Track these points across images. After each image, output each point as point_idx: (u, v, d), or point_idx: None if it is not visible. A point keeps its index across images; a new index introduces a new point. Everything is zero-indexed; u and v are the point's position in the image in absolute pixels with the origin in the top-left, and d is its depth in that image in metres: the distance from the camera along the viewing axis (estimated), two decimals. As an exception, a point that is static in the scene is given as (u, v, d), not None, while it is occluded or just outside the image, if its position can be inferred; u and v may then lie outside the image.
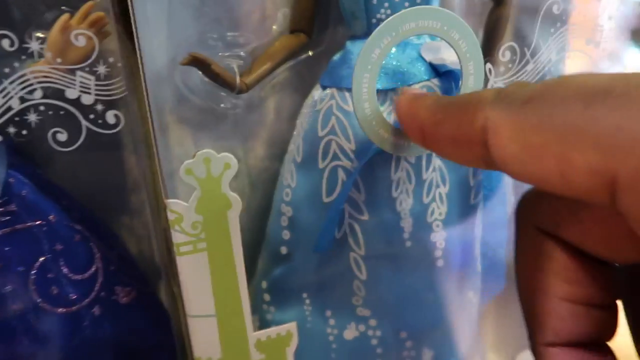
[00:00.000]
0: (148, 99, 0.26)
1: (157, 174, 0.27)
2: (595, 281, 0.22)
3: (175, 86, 0.35)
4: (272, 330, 0.32)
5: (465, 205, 0.35)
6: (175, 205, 0.27)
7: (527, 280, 0.24)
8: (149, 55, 0.33)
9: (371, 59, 0.29)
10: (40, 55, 0.25)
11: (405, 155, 0.32)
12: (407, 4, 0.32)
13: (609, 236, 0.21)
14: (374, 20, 0.32)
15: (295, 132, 0.36)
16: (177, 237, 0.28)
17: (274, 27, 0.36)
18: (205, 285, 0.29)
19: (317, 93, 0.35)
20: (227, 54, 0.33)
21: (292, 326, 0.32)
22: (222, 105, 0.36)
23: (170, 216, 0.27)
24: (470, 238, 0.36)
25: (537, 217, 0.23)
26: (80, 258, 0.30)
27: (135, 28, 0.27)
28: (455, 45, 0.30)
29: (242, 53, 0.34)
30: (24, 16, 0.25)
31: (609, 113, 0.16)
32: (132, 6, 0.26)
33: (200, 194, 0.27)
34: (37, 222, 0.28)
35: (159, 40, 0.34)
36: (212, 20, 0.35)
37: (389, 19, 0.28)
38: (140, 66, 0.26)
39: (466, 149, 0.21)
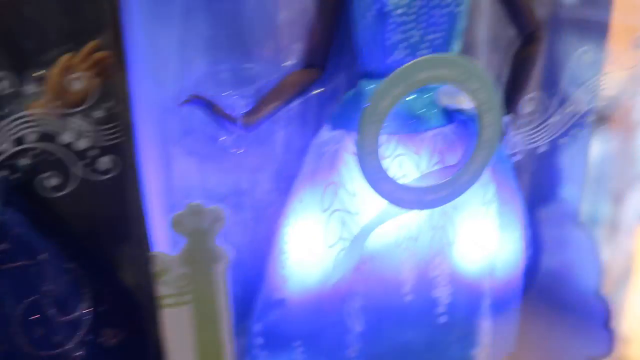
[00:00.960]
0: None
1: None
2: None
3: (182, 118, 0.34)
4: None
5: (472, 261, 0.33)
6: (162, 257, 0.26)
7: None
8: (156, 86, 0.32)
9: (378, 109, 0.26)
10: (38, 96, 0.24)
11: (408, 209, 0.29)
12: (425, 44, 0.29)
13: None
14: (389, 60, 0.30)
15: (301, 171, 0.34)
16: (161, 290, 0.26)
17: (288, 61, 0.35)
18: (188, 339, 0.27)
19: (326, 133, 0.33)
20: (232, 92, 0.31)
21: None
22: (226, 138, 0.35)
23: (156, 268, 0.26)
24: (477, 295, 0.33)
25: None
26: (69, 299, 0.29)
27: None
28: (472, 96, 0.27)
29: (248, 92, 0.32)
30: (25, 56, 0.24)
31: None
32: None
33: (188, 246, 0.26)
34: (28, 262, 0.28)
35: (169, 71, 0.33)
36: (224, 53, 0.34)
37: (402, 67, 0.26)
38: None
39: None
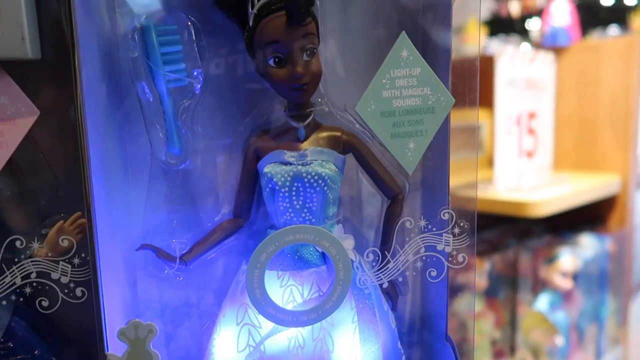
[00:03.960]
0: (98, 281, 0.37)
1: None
2: None
3: (145, 252, 0.46)
4: None
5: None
6: (113, 357, 0.37)
7: None
8: (128, 229, 0.45)
9: (260, 260, 0.38)
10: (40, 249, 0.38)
11: (289, 326, 0.40)
12: (305, 209, 0.42)
13: None
14: (282, 220, 0.42)
15: (228, 293, 0.46)
16: (112, 380, 0.38)
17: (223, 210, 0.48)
18: (130, 416, 0.38)
19: (244, 266, 0.45)
20: (174, 240, 0.44)
21: None
22: (179, 274, 0.47)
23: (109, 364, 0.37)
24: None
25: None
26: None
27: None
28: (326, 250, 0.39)
29: (185, 239, 0.45)
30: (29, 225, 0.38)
31: None
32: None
33: (130, 350, 0.37)
34: (26, 356, 0.40)
35: (137, 216, 0.46)
36: (177, 205, 0.47)
37: (273, 234, 0.38)
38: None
39: None
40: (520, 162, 1.09)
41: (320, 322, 0.41)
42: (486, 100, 1.06)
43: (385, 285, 0.42)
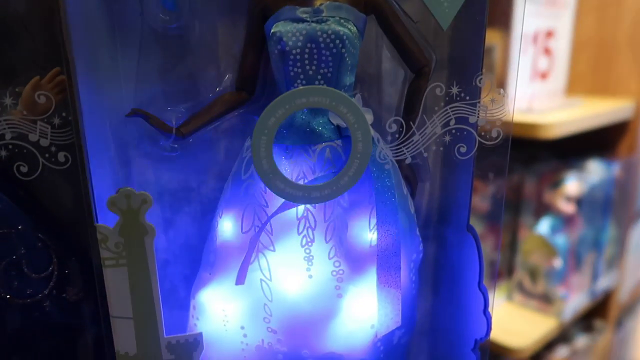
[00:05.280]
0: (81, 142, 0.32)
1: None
2: None
3: (141, 127, 0.41)
4: (182, 336, 0.36)
5: (363, 247, 0.39)
6: (103, 229, 0.33)
7: None
8: (117, 102, 0.39)
9: (267, 125, 0.33)
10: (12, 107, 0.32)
11: (300, 203, 0.36)
12: (319, 77, 0.36)
13: None
14: (292, 88, 0.37)
15: (231, 172, 0.41)
16: (103, 253, 0.33)
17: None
18: (125, 292, 0.34)
19: (248, 141, 0.40)
20: (169, 107, 0.39)
21: (199, 335, 0.37)
22: (176, 146, 0.42)
23: (99, 236, 0.33)
24: (370, 275, 0.39)
25: None
26: (39, 261, 0.36)
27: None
28: (344, 117, 0.34)
29: (182, 108, 0.39)
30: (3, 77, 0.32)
31: None
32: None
33: (122, 222, 0.33)
34: (9, 230, 0.35)
35: (128, 89, 0.40)
36: (174, 76, 0.41)
37: (282, 95, 0.33)
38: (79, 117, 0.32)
39: None
40: (533, 84, 1.04)
41: (334, 202, 0.37)
42: (501, 20, 0.99)
43: (409, 160, 0.37)
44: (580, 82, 1.21)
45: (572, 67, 1.17)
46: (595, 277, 1.14)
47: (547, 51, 1.06)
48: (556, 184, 1.08)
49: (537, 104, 1.02)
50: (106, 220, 0.34)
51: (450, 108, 0.35)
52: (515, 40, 0.96)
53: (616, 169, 1.14)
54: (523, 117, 0.94)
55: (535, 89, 1.05)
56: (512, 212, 1.13)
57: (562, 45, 1.07)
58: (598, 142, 1.17)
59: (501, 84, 1.03)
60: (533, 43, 1.01)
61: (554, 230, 1.07)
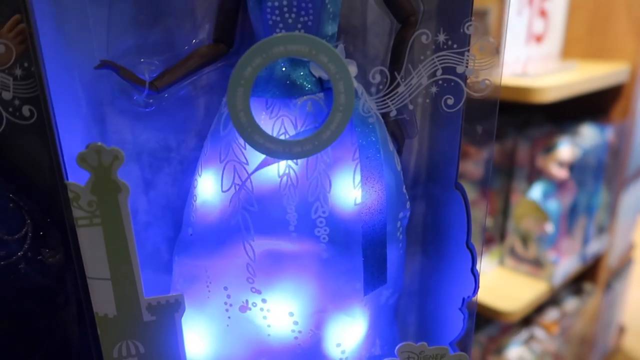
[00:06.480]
0: (46, 97, 0.30)
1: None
2: None
3: (115, 82, 0.39)
4: (162, 297, 0.35)
5: (347, 204, 0.37)
6: (74, 186, 0.31)
7: None
8: (88, 56, 0.37)
9: (244, 75, 0.31)
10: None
11: (280, 159, 0.34)
12: (299, 25, 0.34)
13: None
14: (271, 39, 0.34)
15: (209, 130, 0.39)
16: (76, 212, 0.32)
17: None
18: (100, 252, 0.33)
19: (226, 97, 0.38)
20: (142, 60, 0.36)
21: (180, 296, 0.36)
22: (150, 101, 0.40)
23: (70, 194, 0.31)
24: (355, 233, 0.38)
25: None
26: (12, 223, 0.35)
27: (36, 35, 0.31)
28: (325, 67, 0.31)
29: (156, 61, 0.37)
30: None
31: None
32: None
33: (93, 179, 0.31)
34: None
35: (100, 42, 0.38)
36: (147, 29, 0.38)
37: (259, 42, 0.30)
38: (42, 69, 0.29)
39: None
40: (528, 47, 1.01)
41: (317, 158, 0.35)
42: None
43: (394, 113, 0.35)
44: (576, 46, 1.19)
45: (568, 30, 1.14)
46: (586, 241, 1.14)
47: (543, 12, 1.03)
48: (549, 148, 1.07)
49: (532, 68, 1.00)
50: (80, 181, 0.32)
51: (437, 57, 0.33)
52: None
53: (609, 133, 1.12)
54: (517, 81, 0.92)
55: (531, 53, 1.02)
56: (505, 177, 1.12)
57: (558, 7, 1.04)
58: (592, 106, 1.15)
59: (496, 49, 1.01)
60: (529, 5, 0.98)
61: (546, 195, 1.06)
